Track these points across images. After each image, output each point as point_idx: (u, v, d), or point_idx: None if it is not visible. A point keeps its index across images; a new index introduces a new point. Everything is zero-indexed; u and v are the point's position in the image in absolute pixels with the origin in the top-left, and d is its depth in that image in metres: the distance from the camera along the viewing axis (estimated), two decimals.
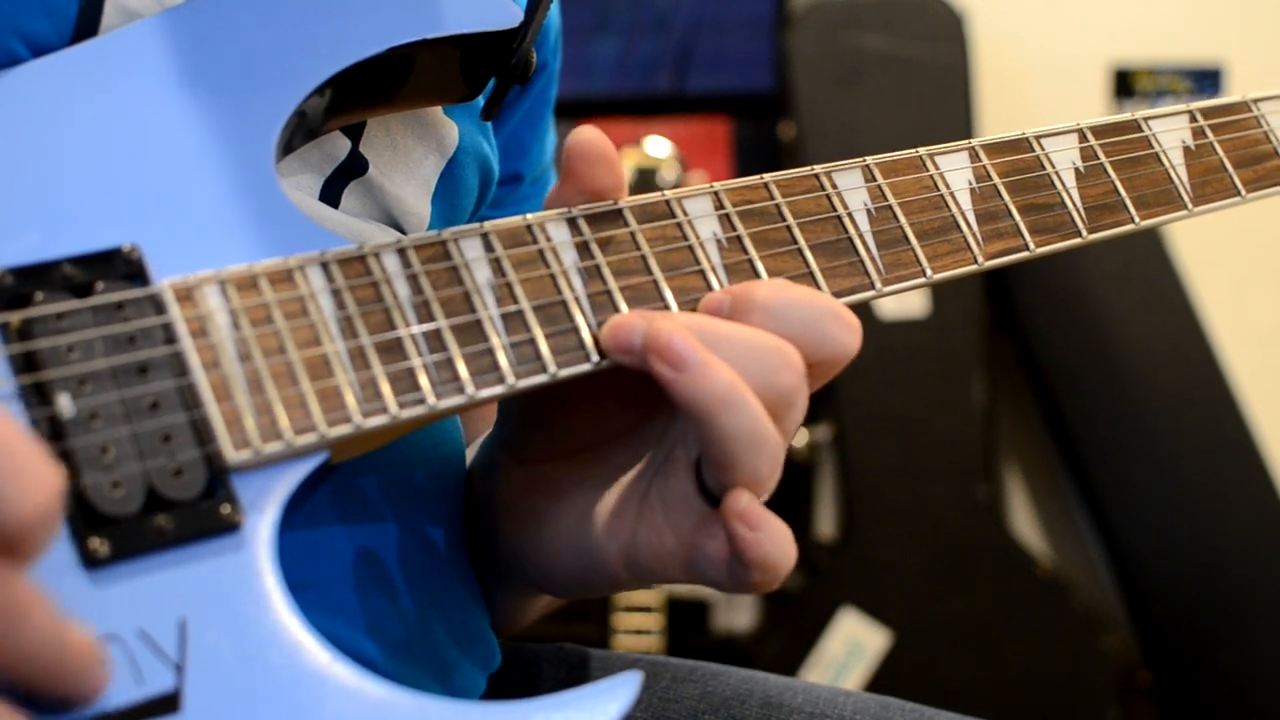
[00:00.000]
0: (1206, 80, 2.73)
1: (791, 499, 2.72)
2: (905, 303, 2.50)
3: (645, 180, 2.25)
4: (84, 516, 0.50)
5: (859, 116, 2.53)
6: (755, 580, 0.59)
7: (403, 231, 0.71)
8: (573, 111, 2.85)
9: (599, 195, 0.62)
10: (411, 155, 0.72)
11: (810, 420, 2.67)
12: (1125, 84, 2.76)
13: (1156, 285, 2.54)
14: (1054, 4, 2.78)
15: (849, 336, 0.61)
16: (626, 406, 0.65)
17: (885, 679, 2.41)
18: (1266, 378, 2.60)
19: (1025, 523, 2.77)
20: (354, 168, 0.70)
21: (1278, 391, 2.61)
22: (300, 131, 0.65)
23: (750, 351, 0.58)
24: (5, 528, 0.43)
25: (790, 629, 2.46)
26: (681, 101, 2.75)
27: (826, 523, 2.66)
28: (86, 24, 0.62)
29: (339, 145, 0.69)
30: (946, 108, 2.54)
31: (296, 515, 0.56)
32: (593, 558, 0.63)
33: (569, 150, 0.62)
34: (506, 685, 0.82)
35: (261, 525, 0.53)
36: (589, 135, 0.61)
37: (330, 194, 0.69)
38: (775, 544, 0.58)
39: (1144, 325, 2.54)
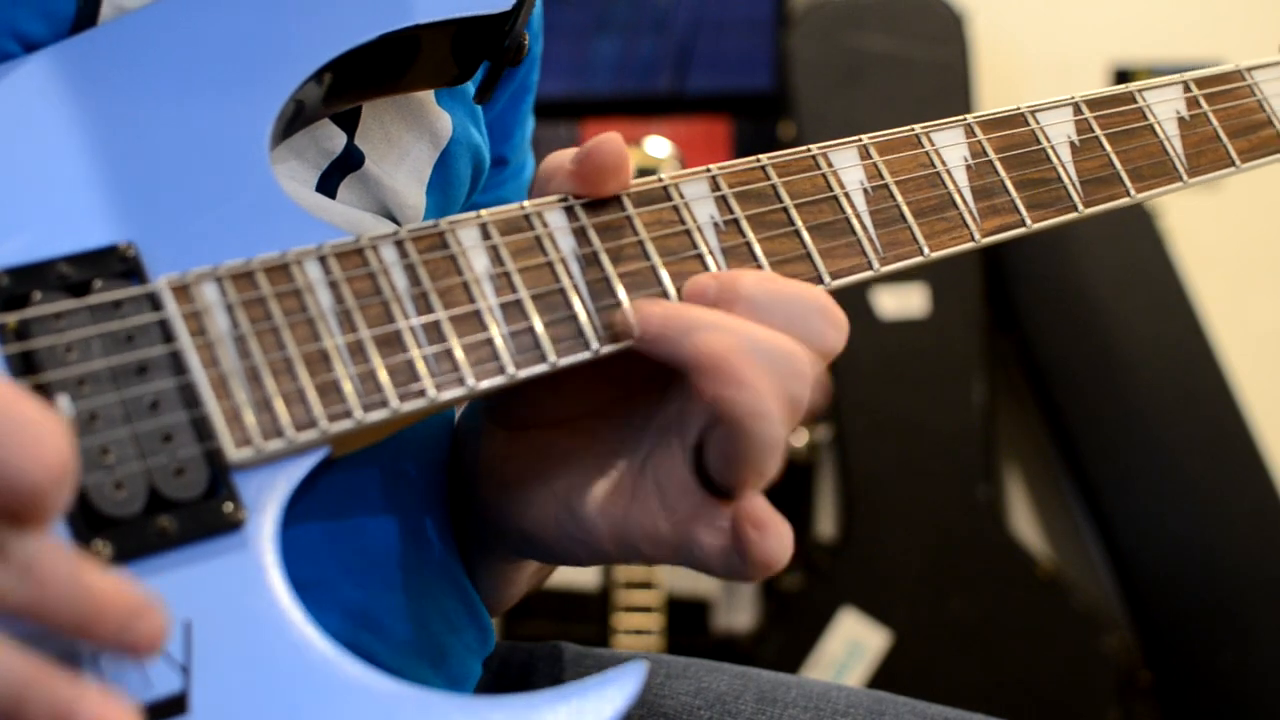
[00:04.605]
0: None
1: (791, 499, 2.72)
2: (905, 303, 2.50)
3: None
4: (86, 518, 0.50)
5: (859, 116, 2.52)
6: (751, 575, 0.59)
7: (398, 224, 0.71)
8: (573, 111, 2.85)
9: (598, 196, 0.63)
10: (406, 147, 0.72)
11: (810, 420, 2.67)
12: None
13: (1156, 285, 2.54)
14: (1054, 4, 2.78)
15: (835, 333, 0.60)
16: (613, 381, 0.64)
17: (885, 679, 2.40)
18: (1266, 377, 2.60)
19: (1025, 523, 2.76)
20: (350, 161, 0.69)
21: (1278, 391, 2.60)
22: (297, 119, 0.64)
23: (774, 357, 0.57)
24: (12, 493, 0.42)
25: (790, 629, 2.45)
26: (681, 101, 2.74)
27: (826, 523, 2.66)
28: (84, 24, 0.61)
29: (334, 139, 0.69)
30: (946, 108, 2.54)
31: (291, 514, 0.56)
32: (580, 530, 0.63)
33: (591, 153, 0.62)
34: (502, 685, 0.82)
35: (264, 523, 0.53)
36: (612, 147, 0.62)
37: (326, 188, 0.68)
38: (780, 544, 0.58)
39: (1144, 325, 2.54)
